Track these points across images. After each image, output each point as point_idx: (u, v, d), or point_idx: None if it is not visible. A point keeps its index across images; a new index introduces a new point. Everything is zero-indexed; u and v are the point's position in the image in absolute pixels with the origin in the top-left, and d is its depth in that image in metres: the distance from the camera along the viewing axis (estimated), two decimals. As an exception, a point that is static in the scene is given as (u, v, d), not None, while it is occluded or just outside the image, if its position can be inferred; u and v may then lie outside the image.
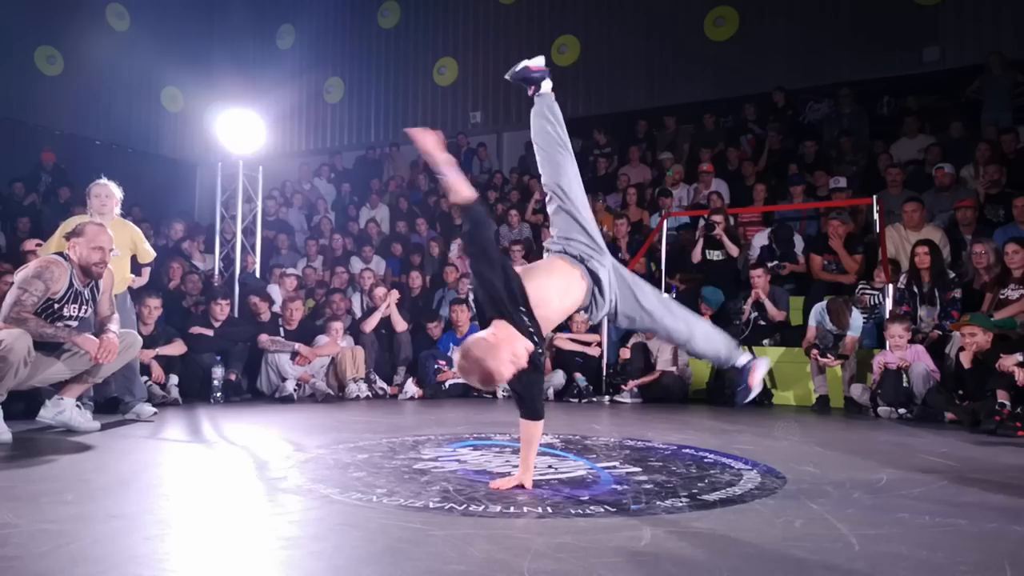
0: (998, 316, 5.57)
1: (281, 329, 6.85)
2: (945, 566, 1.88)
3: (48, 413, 4.22)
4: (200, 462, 3.43)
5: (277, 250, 10.01)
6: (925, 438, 4.44)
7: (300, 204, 11.72)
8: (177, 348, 6.23)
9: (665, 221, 8.39)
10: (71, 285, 4.14)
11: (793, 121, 10.37)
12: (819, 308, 6.37)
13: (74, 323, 4.19)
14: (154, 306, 6.28)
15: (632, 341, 6.87)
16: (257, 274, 8.55)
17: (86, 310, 4.26)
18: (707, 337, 2.98)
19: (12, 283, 4.13)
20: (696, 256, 7.80)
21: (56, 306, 4.10)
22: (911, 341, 5.71)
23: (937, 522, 2.33)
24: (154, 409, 5.06)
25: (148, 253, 5.48)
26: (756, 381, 3.01)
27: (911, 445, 4.14)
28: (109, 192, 5.13)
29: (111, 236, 4.31)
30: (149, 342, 6.17)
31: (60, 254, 4.22)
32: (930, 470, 3.33)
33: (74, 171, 11.37)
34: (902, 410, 5.45)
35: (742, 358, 3.04)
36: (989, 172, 7.48)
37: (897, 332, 5.66)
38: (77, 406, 4.31)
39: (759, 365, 3.02)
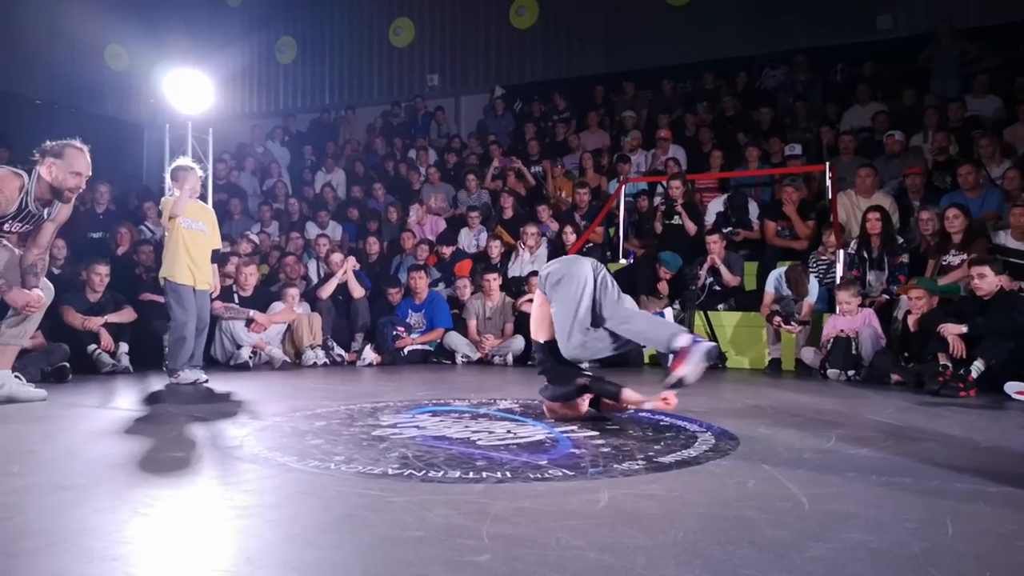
0: (942, 282, 5.74)
1: (235, 296, 6.72)
2: (890, 523, 1.95)
3: None
4: (152, 431, 3.36)
5: (230, 215, 9.79)
6: (872, 399, 4.58)
7: (252, 168, 11.45)
8: (127, 315, 6.09)
9: (623, 187, 8.42)
10: (23, 206, 3.96)
11: (749, 88, 10.44)
12: (776, 275, 6.48)
13: (13, 238, 4.06)
14: (104, 273, 6.11)
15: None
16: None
17: (28, 230, 4.09)
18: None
19: None
20: (658, 228, 7.87)
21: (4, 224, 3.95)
22: (860, 305, 5.86)
23: (883, 481, 2.41)
24: (205, 376, 5.26)
25: (219, 239, 5.62)
26: (684, 371, 3.11)
27: (858, 407, 4.26)
28: (197, 177, 5.33)
29: (89, 162, 4.12)
30: (98, 309, 6.03)
31: (27, 170, 3.99)
32: (876, 430, 3.44)
33: (13, 131, 10.89)
34: (850, 372, 5.61)
35: (679, 340, 3.17)
36: (938, 140, 7.63)
37: (845, 298, 5.80)
38: (16, 377, 4.17)
39: (694, 352, 3.11)
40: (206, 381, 5.18)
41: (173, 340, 5.25)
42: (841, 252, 6.43)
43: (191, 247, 5.26)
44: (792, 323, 6.13)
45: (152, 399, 4.45)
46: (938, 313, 5.22)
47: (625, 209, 8.50)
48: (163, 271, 5.29)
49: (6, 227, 3.98)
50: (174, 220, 5.20)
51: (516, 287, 7.49)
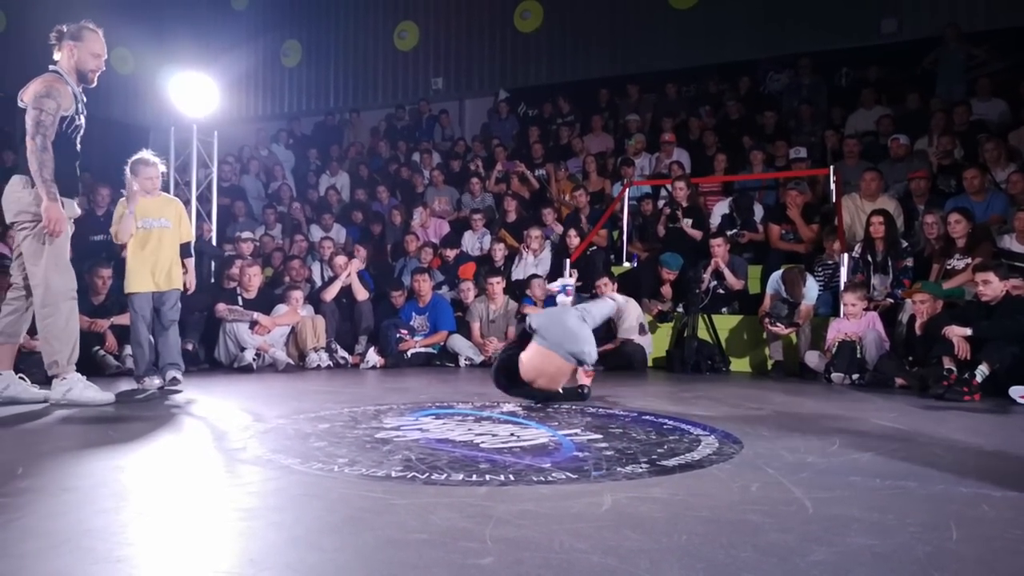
0: (947, 286, 5.72)
1: (239, 298, 6.74)
2: (895, 527, 1.94)
3: None
4: (156, 433, 3.36)
5: (234, 217, 9.81)
6: (876, 403, 4.57)
7: (257, 170, 11.48)
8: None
9: (627, 190, 8.41)
10: (74, 96, 4.07)
11: (753, 91, 10.44)
12: (777, 277, 6.47)
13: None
14: (106, 276, 6.13)
15: (594, 310, 6.89)
16: (214, 242, 8.38)
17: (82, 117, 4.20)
18: None
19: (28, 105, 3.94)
20: (661, 231, 7.88)
21: (77, 120, 4.05)
22: (865, 309, 5.84)
23: (887, 485, 2.40)
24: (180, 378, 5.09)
25: (189, 232, 5.37)
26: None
27: (862, 410, 4.25)
28: (157, 173, 5.14)
29: (104, 43, 4.20)
30: (102, 312, 6.04)
31: (53, 71, 4.07)
32: (881, 434, 3.43)
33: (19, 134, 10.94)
34: (855, 376, 5.59)
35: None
36: (942, 143, 7.62)
37: (851, 300, 5.79)
38: (21, 378, 4.18)
39: None
40: (178, 381, 5.03)
41: (132, 349, 5.14)
42: (845, 256, 6.41)
43: (153, 247, 5.02)
44: (779, 324, 6.10)
45: (155, 401, 4.46)
46: (943, 317, 5.21)
47: (629, 212, 8.51)
48: (125, 286, 5.05)
49: (79, 121, 4.10)
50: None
51: (520, 290, 7.49)
